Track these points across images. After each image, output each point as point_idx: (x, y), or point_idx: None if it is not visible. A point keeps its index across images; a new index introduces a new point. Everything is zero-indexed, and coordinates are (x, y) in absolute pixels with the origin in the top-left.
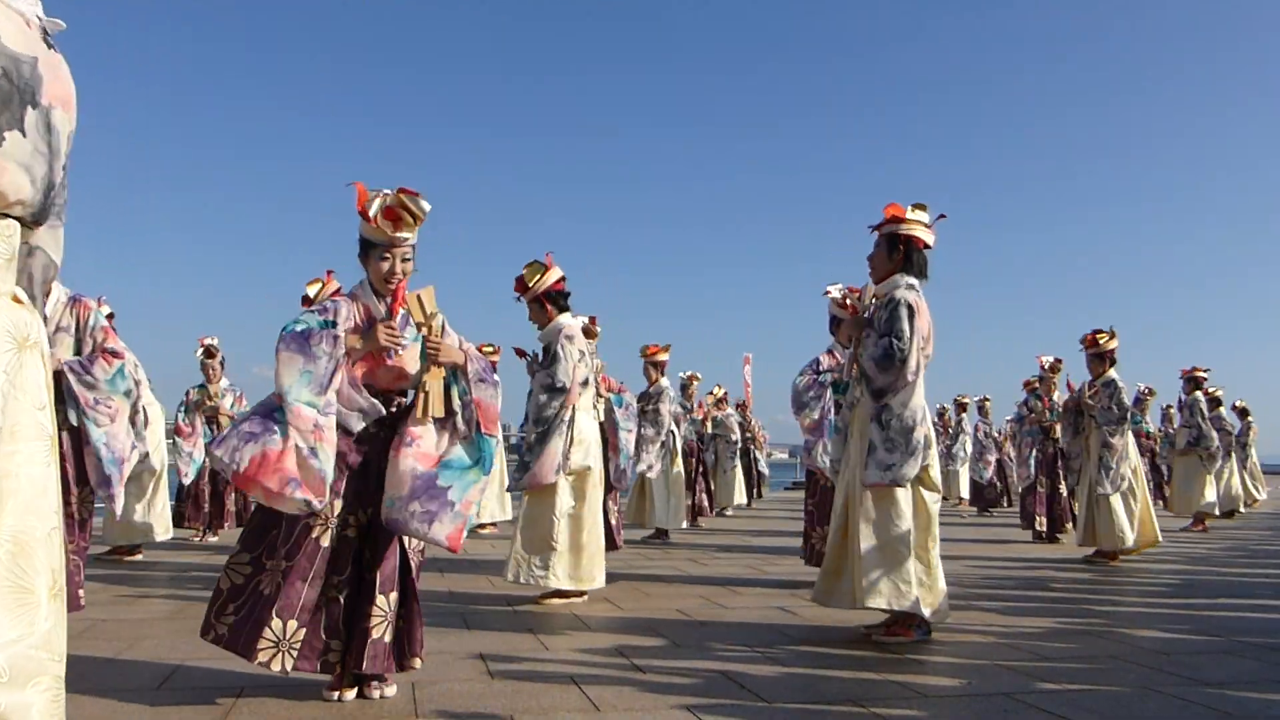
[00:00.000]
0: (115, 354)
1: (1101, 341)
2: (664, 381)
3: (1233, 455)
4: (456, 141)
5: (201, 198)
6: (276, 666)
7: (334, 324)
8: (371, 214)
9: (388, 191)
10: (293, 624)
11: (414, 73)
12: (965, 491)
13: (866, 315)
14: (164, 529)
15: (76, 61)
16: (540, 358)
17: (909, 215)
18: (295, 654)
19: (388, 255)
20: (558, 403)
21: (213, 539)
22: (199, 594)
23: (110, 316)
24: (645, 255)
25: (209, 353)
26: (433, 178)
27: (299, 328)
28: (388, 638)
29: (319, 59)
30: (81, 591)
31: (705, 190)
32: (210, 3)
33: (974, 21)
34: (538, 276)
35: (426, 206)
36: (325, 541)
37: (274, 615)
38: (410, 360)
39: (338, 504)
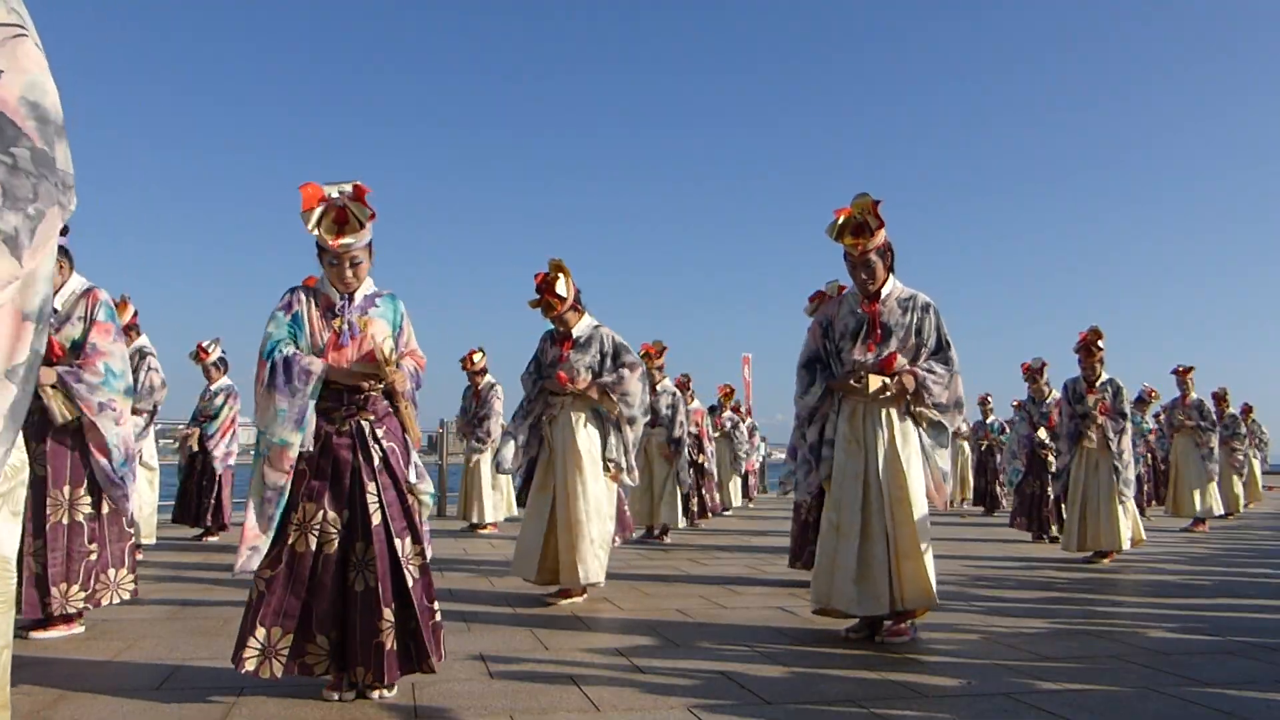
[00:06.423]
0: (99, 351)
1: (1096, 342)
2: (666, 383)
3: (1248, 455)
4: (455, 140)
5: (199, 198)
6: (265, 673)
7: (300, 319)
8: (309, 227)
9: (337, 193)
10: (277, 630)
11: (412, 72)
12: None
13: (878, 316)
14: (148, 533)
15: (75, 61)
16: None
17: (880, 229)
18: (284, 659)
19: (335, 262)
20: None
21: (213, 539)
22: (199, 594)
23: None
24: (645, 255)
25: (203, 353)
26: (432, 177)
27: (280, 354)
28: (395, 647)
29: (317, 59)
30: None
31: (705, 189)
32: (210, 3)
33: (974, 20)
34: (566, 279)
35: (370, 212)
36: (301, 547)
37: (258, 624)
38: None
39: (311, 507)
